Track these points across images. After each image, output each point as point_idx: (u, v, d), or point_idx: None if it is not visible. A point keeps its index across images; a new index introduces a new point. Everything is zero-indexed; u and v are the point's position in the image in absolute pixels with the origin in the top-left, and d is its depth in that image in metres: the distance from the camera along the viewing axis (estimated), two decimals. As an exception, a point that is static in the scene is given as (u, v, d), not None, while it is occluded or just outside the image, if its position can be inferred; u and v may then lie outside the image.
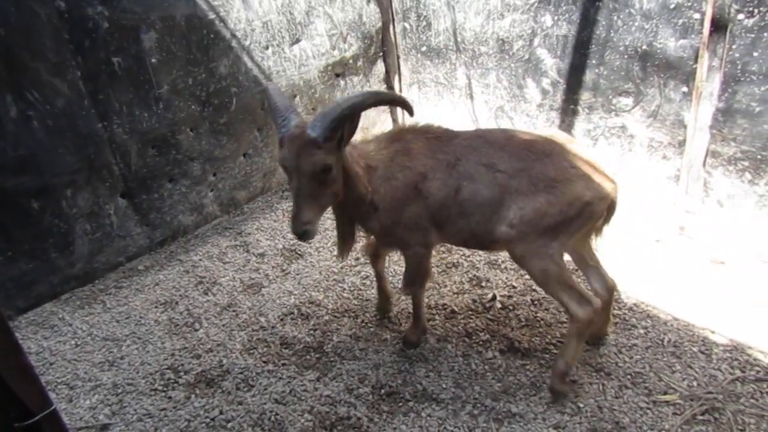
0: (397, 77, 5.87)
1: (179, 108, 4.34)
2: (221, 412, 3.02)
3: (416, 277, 3.08)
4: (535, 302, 3.58)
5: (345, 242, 3.06)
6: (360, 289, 3.89)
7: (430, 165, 2.78)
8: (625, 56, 3.94)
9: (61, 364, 3.48)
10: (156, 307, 3.93)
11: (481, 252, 4.09)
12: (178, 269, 4.31)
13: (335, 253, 4.03)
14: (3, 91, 3.48)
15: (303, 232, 2.55)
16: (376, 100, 2.66)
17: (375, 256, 3.42)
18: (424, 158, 2.80)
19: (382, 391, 3.06)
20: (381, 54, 5.77)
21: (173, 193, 4.54)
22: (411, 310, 3.31)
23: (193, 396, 3.16)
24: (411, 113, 2.69)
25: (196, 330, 3.67)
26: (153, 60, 4.09)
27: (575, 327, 2.73)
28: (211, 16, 4.32)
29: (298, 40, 4.97)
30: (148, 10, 3.97)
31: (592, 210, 2.63)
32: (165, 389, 3.23)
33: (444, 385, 3.05)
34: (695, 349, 3.11)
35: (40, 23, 3.53)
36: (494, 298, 3.64)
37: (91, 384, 3.31)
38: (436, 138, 2.87)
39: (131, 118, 4.09)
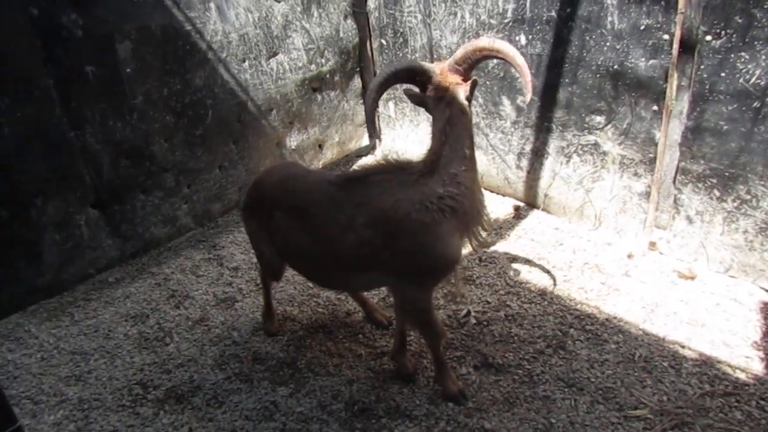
0: (374, 92, 5.89)
1: (154, 119, 4.29)
2: (190, 430, 2.97)
3: None
4: (509, 317, 3.59)
5: None
6: (335, 305, 3.86)
7: None
8: (598, 75, 4.01)
9: (26, 378, 3.39)
10: (126, 320, 3.85)
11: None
12: (150, 282, 4.23)
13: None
14: (-29, 99, 3.41)
15: None
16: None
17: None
18: None
19: (356, 407, 3.03)
20: (358, 69, 5.79)
21: (146, 205, 4.47)
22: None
23: (161, 412, 3.09)
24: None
25: (167, 344, 3.60)
26: (128, 70, 4.04)
27: None
28: (188, 27, 4.29)
29: (275, 54, 4.97)
30: (123, 20, 3.93)
31: None
32: (133, 405, 3.16)
33: (418, 402, 3.04)
34: (665, 364, 3.14)
35: (11, 30, 3.48)
36: (468, 313, 3.64)
37: (57, 399, 3.22)
38: None
39: (104, 127, 4.03)
